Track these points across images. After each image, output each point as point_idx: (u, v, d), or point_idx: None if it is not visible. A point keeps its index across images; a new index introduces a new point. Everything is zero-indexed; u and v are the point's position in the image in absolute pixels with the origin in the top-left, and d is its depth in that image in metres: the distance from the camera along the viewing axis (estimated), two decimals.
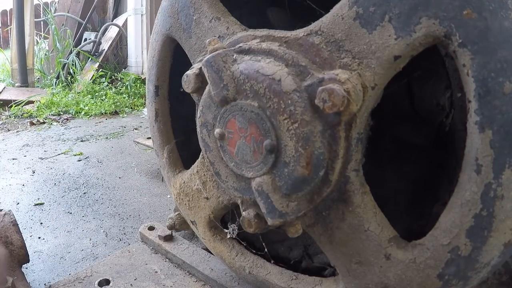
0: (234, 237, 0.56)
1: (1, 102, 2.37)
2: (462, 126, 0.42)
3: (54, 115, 2.27)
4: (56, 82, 2.93)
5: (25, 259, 0.73)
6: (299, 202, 0.41)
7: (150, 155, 1.61)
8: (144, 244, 0.79)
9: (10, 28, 3.16)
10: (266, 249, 0.54)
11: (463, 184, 0.36)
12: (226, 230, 0.56)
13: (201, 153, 0.53)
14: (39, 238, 0.99)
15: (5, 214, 0.74)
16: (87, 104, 2.41)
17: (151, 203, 1.19)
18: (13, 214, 0.75)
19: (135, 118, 2.31)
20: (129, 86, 2.85)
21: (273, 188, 0.41)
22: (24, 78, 2.75)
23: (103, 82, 2.88)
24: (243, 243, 0.57)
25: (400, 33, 0.36)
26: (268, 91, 0.39)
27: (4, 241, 0.70)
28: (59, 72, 2.98)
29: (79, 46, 3.10)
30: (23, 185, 1.33)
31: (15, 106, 2.33)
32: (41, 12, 3.48)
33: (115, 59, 3.26)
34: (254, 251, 0.56)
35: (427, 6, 0.34)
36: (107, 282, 0.67)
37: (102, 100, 2.55)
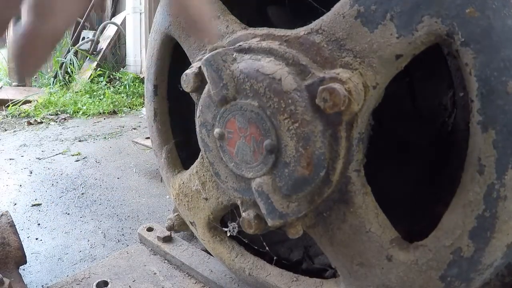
0: (234, 235, 0.55)
1: None
2: (465, 126, 0.41)
3: (51, 115, 2.25)
4: (53, 81, 2.91)
5: (22, 260, 0.72)
6: (300, 202, 0.41)
7: (148, 155, 1.60)
8: (142, 245, 0.79)
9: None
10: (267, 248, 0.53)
11: (466, 185, 0.35)
12: (226, 229, 0.56)
13: (200, 153, 0.52)
14: (37, 239, 0.98)
15: (2, 215, 0.73)
16: (85, 104, 2.40)
17: (150, 203, 1.18)
18: (10, 215, 0.75)
19: (134, 117, 2.30)
20: (127, 86, 2.83)
21: (273, 189, 0.41)
22: (21, 77, 2.75)
23: (101, 82, 2.87)
24: (244, 240, 0.56)
25: (402, 31, 0.35)
26: (268, 90, 0.38)
27: (1, 242, 0.70)
28: (57, 71, 2.96)
29: (77, 45, 3.08)
30: (20, 185, 1.32)
31: (12, 106, 2.32)
32: None
33: (114, 58, 3.25)
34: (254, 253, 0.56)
35: (429, 4, 0.34)
36: (105, 283, 0.67)
37: (100, 99, 2.54)
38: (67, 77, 2.88)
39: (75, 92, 2.60)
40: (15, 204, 1.18)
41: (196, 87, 0.45)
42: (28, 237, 0.98)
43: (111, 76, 2.99)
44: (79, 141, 1.82)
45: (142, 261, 0.73)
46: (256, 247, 0.57)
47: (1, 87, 2.60)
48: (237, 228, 0.53)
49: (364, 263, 0.41)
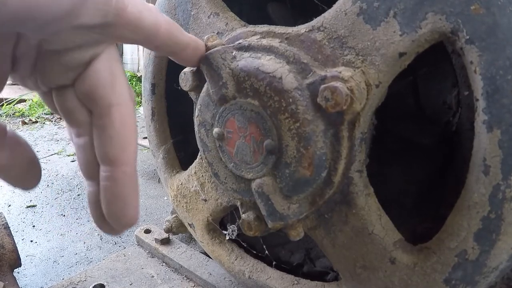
0: (233, 238, 0.54)
1: None
2: (470, 125, 0.41)
3: (47, 114, 2.23)
4: None
5: (17, 263, 0.71)
6: (301, 204, 0.40)
7: (146, 156, 1.59)
8: (140, 247, 0.78)
9: None
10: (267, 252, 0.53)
11: (471, 186, 0.35)
12: (225, 232, 0.55)
13: (199, 154, 0.51)
14: (32, 241, 0.96)
15: None
16: None
17: (147, 205, 1.17)
18: (4, 217, 0.73)
19: None
20: None
21: (273, 190, 0.40)
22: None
23: None
24: (243, 244, 0.55)
25: (405, 29, 0.34)
26: (268, 89, 0.37)
27: None
28: None
29: None
30: None
31: (6, 105, 2.29)
32: None
33: None
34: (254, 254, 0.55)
35: (433, 1, 0.33)
36: (102, 287, 0.66)
37: None
38: None
39: None
40: (10, 205, 1.16)
41: (194, 85, 0.44)
42: (22, 239, 0.96)
43: None
44: None
45: (139, 263, 0.72)
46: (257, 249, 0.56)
47: None
48: (236, 231, 0.52)
49: (366, 266, 0.41)
